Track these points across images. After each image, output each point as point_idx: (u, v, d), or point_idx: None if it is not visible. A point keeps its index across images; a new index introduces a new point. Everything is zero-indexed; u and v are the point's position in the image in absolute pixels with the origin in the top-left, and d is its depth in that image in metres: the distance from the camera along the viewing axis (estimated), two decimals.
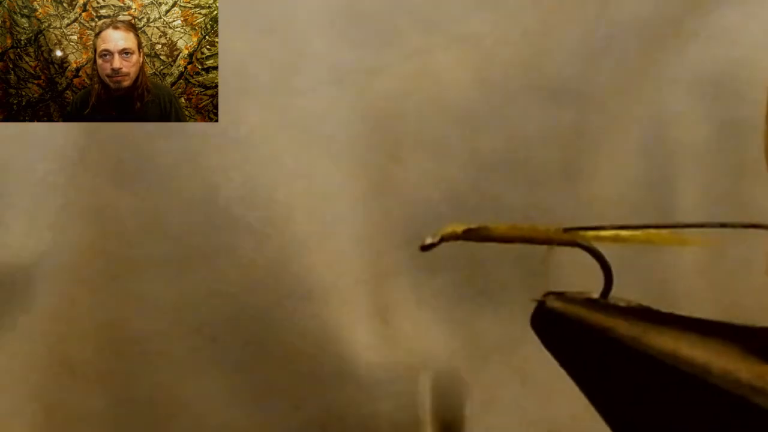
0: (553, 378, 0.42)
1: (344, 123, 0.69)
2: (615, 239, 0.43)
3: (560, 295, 0.42)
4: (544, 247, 0.43)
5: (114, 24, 0.60)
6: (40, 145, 0.66)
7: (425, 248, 0.44)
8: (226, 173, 0.67)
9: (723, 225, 0.43)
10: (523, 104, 0.68)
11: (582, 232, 0.43)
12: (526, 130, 0.68)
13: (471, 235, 0.44)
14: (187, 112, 0.60)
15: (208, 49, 0.60)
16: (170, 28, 0.60)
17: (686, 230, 0.46)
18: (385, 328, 0.69)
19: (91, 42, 0.59)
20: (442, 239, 0.44)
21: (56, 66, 0.60)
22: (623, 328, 0.40)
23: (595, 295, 0.42)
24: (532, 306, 0.42)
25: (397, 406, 0.69)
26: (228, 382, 0.69)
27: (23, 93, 0.60)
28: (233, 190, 0.67)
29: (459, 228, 0.44)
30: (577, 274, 0.43)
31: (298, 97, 0.68)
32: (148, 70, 0.59)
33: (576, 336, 0.41)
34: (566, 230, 0.43)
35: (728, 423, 0.37)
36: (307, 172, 0.68)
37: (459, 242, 0.43)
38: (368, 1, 0.69)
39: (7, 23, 0.60)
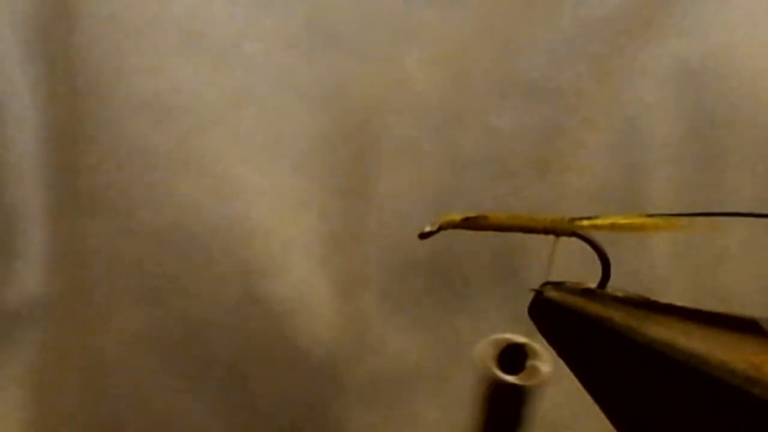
0: None
1: (314, 132, 0.68)
2: (612, 228, 0.43)
3: (558, 285, 0.42)
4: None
5: None
6: None
7: (424, 236, 0.44)
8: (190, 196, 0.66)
9: (711, 214, 0.43)
10: (496, 103, 0.68)
11: (578, 221, 0.43)
12: (500, 129, 0.68)
13: (469, 223, 0.44)
14: None
15: None
16: None
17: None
18: (362, 338, 0.69)
19: None
20: (441, 228, 0.44)
21: None
22: (620, 318, 0.40)
23: (593, 285, 0.42)
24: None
25: (386, 418, 0.69)
26: (211, 412, 0.69)
27: None
28: (199, 213, 0.66)
29: (457, 216, 0.44)
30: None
31: (268, 111, 0.67)
32: None
33: (573, 326, 0.41)
34: (570, 220, 0.43)
35: (725, 413, 0.37)
36: (276, 182, 0.68)
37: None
38: (337, 12, 0.68)
39: None
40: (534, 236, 0.43)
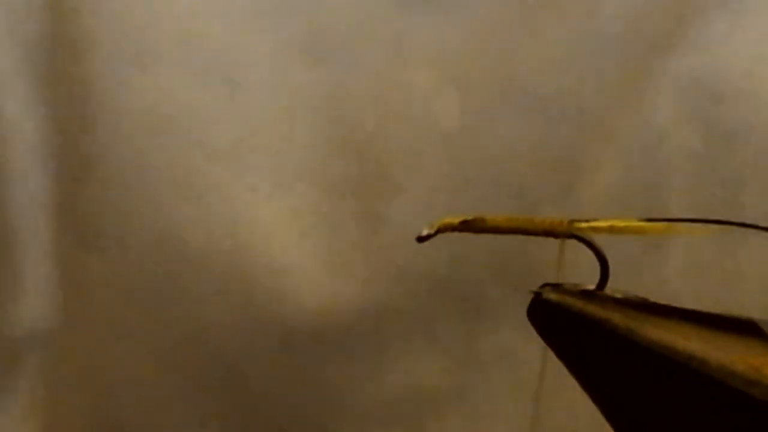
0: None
1: (318, 146, 0.67)
2: (611, 230, 0.43)
3: (556, 287, 0.42)
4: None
5: None
6: None
7: (422, 239, 0.44)
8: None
9: (718, 222, 0.43)
10: (507, 120, 0.68)
11: (577, 223, 0.43)
12: (510, 147, 0.68)
13: (467, 226, 0.44)
14: None
15: None
16: None
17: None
18: (373, 355, 0.68)
19: None
20: (439, 230, 0.44)
21: None
22: (619, 319, 0.40)
23: (592, 286, 0.42)
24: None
25: None
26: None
27: None
28: (198, 226, 0.66)
29: (455, 219, 0.44)
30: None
31: (271, 123, 0.67)
32: None
33: (572, 327, 0.41)
34: (569, 222, 0.43)
35: (724, 414, 0.37)
36: (279, 199, 0.67)
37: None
38: (335, 22, 0.67)
39: None
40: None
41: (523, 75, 0.68)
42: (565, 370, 0.41)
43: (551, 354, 0.41)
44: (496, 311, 0.69)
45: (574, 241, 0.43)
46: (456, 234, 0.67)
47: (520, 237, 0.43)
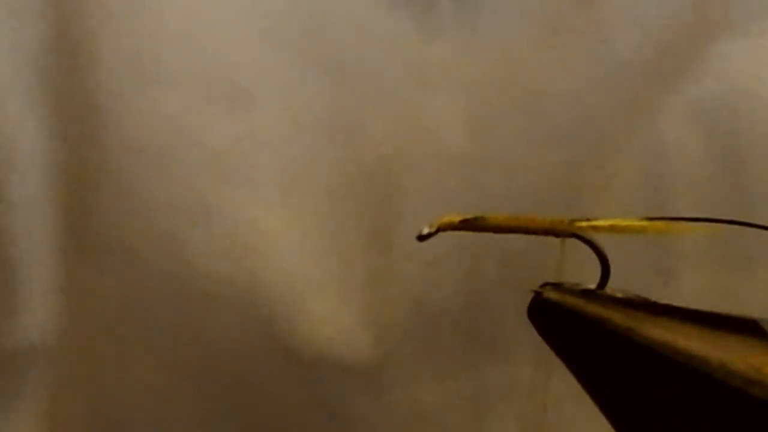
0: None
1: (334, 175, 0.67)
2: (612, 229, 0.43)
3: (557, 286, 0.42)
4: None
5: None
6: None
7: (422, 238, 0.44)
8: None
9: (719, 221, 0.43)
10: (520, 144, 0.67)
11: (578, 223, 0.43)
12: (525, 171, 0.67)
13: (468, 225, 0.44)
14: None
15: None
16: None
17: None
18: (384, 381, 0.68)
19: None
20: (439, 229, 0.44)
21: None
22: (620, 319, 0.40)
23: (592, 285, 0.42)
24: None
25: None
26: None
27: None
28: (203, 240, 0.65)
29: (456, 218, 0.44)
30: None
31: (283, 156, 0.67)
32: None
33: (572, 327, 0.41)
34: (570, 221, 0.43)
35: (724, 414, 0.37)
36: (294, 228, 0.67)
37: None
38: (349, 47, 0.67)
39: None
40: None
41: (542, 99, 0.68)
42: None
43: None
44: (507, 339, 0.68)
45: (575, 241, 0.43)
46: (469, 258, 0.67)
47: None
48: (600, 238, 0.43)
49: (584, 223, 0.43)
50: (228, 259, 0.65)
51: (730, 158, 0.68)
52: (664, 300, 0.40)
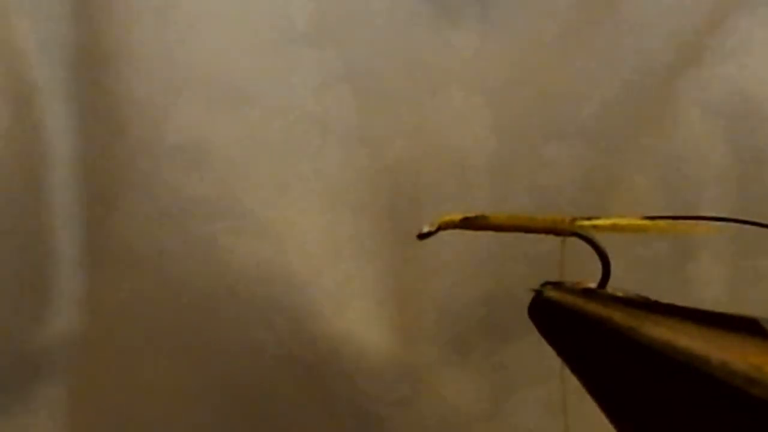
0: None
1: (359, 182, 0.67)
2: (613, 228, 0.43)
3: (557, 285, 0.42)
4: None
5: None
6: None
7: (422, 236, 0.44)
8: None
9: (720, 219, 0.43)
10: (543, 146, 0.67)
11: (579, 221, 0.43)
12: (548, 176, 0.67)
13: (469, 223, 0.44)
14: None
15: None
16: None
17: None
18: (415, 382, 0.68)
19: None
20: (440, 227, 0.44)
21: None
22: (620, 318, 0.40)
23: (593, 284, 0.42)
24: None
25: None
26: None
27: None
28: (240, 262, 0.65)
29: (457, 216, 0.44)
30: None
31: (309, 160, 0.66)
32: None
33: (573, 326, 0.41)
34: (571, 220, 0.43)
35: (725, 414, 0.37)
36: (325, 227, 0.67)
37: None
38: (371, 52, 0.67)
39: None
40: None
41: (561, 95, 0.68)
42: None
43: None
44: (534, 344, 0.68)
45: (576, 239, 0.43)
46: (493, 261, 0.67)
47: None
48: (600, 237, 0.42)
49: (585, 222, 0.43)
50: (257, 267, 0.65)
51: (751, 156, 0.68)
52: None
